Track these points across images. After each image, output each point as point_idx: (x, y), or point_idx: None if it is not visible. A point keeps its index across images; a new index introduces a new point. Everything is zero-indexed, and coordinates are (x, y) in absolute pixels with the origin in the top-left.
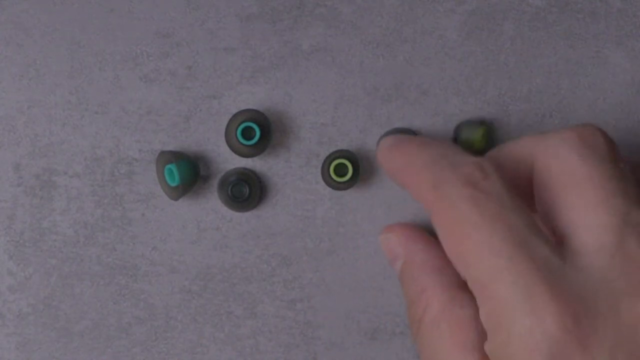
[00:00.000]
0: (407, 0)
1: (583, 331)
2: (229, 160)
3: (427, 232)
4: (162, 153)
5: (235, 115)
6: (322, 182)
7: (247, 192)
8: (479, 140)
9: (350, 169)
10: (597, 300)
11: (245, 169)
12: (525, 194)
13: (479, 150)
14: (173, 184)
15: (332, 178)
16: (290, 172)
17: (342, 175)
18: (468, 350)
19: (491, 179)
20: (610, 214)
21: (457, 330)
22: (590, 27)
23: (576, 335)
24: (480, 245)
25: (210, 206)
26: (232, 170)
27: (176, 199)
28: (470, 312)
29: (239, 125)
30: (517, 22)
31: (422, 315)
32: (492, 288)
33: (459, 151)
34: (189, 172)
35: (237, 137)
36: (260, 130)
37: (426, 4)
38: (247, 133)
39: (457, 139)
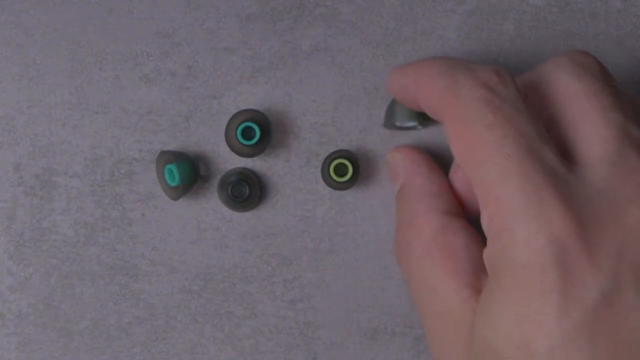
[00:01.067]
0: (407, 0)
1: (589, 236)
2: (229, 160)
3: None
4: (162, 153)
5: (235, 115)
6: (322, 182)
7: (247, 192)
8: None
9: (350, 169)
10: (602, 208)
11: (245, 169)
12: None
13: None
14: (173, 184)
15: (332, 178)
16: (290, 172)
17: (342, 175)
18: (460, 278)
19: (507, 85)
20: (609, 127)
21: (449, 258)
22: (590, 27)
23: (583, 239)
24: (491, 145)
25: (210, 206)
26: (232, 170)
27: (176, 199)
28: (463, 240)
29: (239, 125)
30: (517, 22)
31: (413, 239)
32: (498, 190)
33: (474, 62)
34: (189, 172)
35: (237, 137)
36: (260, 130)
37: (426, 4)
38: (247, 133)
39: None
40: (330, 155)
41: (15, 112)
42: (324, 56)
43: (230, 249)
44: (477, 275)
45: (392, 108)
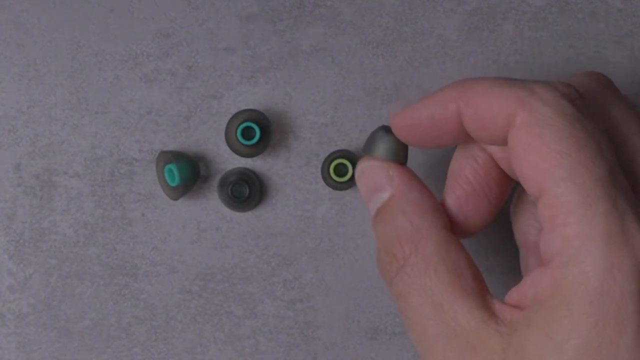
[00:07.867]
0: (407, 0)
1: None
2: (229, 160)
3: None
4: (162, 153)
5: (235, 115)
6: (322, 182)
7: (247, 192)
8: None
9: (350, 169)
10: None
11: (245, 169)
12: None
13: None
14: (173, 184)
15: (332, 178)
16: (290, 172)
17: (342, 175)
18: (470, 296)
19: (586, 101)
20: None
21: (455, 275)
22: (590, 27)
23: None
24: (579, 165)
25: (210, 206)
26: (232, 170)
27: (176, 199)
28: (465, 257)
29: (239, 125)
30: (517, 22)
31: (413, 253)
32: (580, 212)
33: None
34: (189, 172)
35: (237, 137)
36: (260, 130)
37: (426, 4)
38: (247, 133)
39: None
40: (330, 155)
41: (15, 112)
42: (324, 56)
43: (230, 249)
44: (485, 296)
45: (377, 140)
